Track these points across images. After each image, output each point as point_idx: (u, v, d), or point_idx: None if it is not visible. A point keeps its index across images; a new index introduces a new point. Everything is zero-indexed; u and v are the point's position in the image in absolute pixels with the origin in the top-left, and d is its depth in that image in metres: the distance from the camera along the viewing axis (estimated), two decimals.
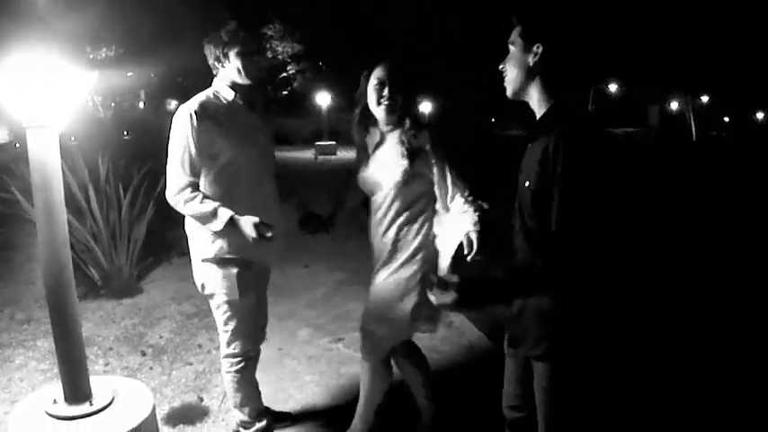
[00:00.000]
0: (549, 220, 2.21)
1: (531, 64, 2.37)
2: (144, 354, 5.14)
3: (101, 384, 2.68)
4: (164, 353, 5.15)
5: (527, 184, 2.33)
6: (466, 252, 2.82)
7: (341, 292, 6.76)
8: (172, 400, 4.32)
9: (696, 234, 10.06)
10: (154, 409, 2.66)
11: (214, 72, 3.34)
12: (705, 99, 51.24)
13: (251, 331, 3.48)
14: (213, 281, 3.34)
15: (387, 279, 3.33)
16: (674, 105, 51.79)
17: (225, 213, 3.05)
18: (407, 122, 3.22)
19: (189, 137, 3.11)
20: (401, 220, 3.26)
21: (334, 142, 30.36)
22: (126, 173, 7.22)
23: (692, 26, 30.53)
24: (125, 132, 22.77)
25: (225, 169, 3.23)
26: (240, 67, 3.21)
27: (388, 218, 3.28)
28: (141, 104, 31.82)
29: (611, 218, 2.25)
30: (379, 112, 3.25)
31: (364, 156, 3.40)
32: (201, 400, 4.32)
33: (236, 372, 3.49)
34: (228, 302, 3.35)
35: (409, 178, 3.18)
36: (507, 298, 2.48)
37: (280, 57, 27.84)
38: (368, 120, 3.36)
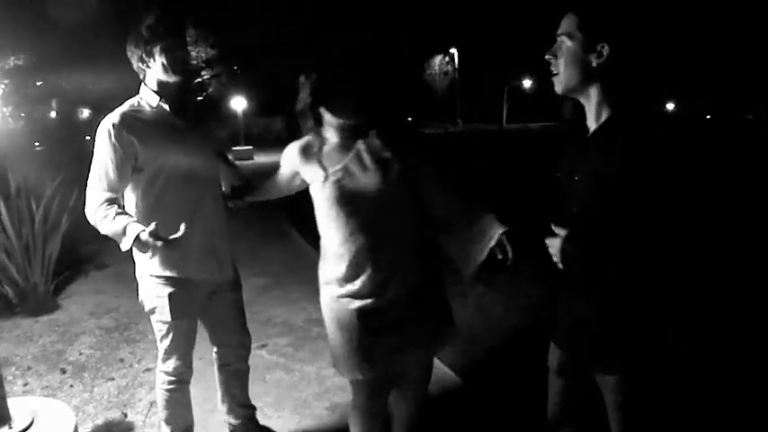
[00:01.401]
0: (638, 217, 2.07)
1: (595, 65, 2.15)
2: (64, 371, 5.03)
3: (20, 406, 2.64)
4: (84, 369, 5.06)
5: (609, 187, 2.12)
6: (501, 257, 2.66)
7: (263, 298, 6.73)
8: (95, 418, 4.25)
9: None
10: (76, 428, 2.64)
11: (141, 75, 3.12)
12: None
13: (184, 353, 3.37)
14: (149, 298, 3.23)
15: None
16: None
17: (133, 230, 2.84)
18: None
19: (108, 151, 2.96)
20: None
21: (250, 147, 30.29)
22: (38, 185, 7.03)
23: None
24: (36, 143, 22.18)
25: (152, 182, 3.06)
26: (165, 62, 2.98)
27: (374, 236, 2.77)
28: (53, 114, 30.97)
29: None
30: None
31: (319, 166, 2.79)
32: (126, 415, 4.26)
33: (166, 390, 3.41)
34: (161, 321, 3.25)
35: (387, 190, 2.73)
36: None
37: (194, 62, 27.49)
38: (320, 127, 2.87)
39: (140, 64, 3.06)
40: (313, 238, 3.17)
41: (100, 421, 4.21)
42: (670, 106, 62.50)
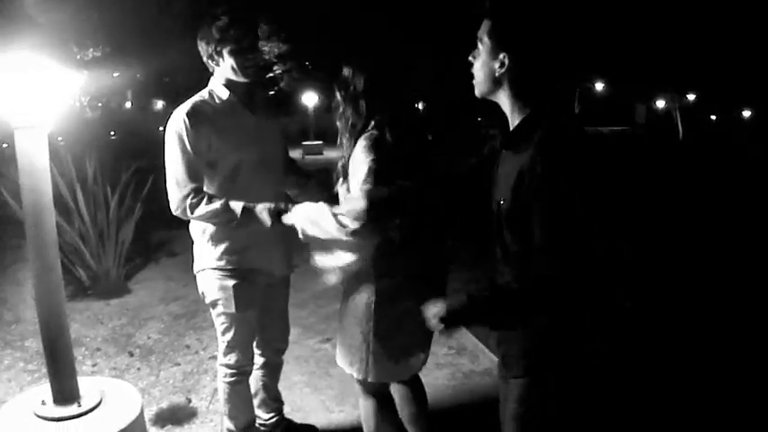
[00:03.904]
0: (526, 237, 1.93)
1: (497, 74, 2.04)
2: (132, 354, 5.14)
3: (89, 385, 2.67)
4: (151, 353, 5.15)
5: (501, 201, 2.04)
6: None
7: (329, 293, 6.65)
8: (160, 401, 4.32)
9: (690, 235, 9.98)
10: (142, 410, 2.66)
11: (210, 70, 3.14)
12: (692, 97, 51.39)
13: (246, 346, 3.36)
14: (211, 291, 3.19)
15: None
16: (661, 104, 51.79)
17: (237, 204, 2.89)
18: None
19: (184, 142, 2.93)
20: None
21: (320, 142, 30.44)
22: (113, 173, 7.20)
23: (678, 24, 30.61)
24: (112, 132, 22.73)
25: (228, 177, 3.05)
26: (234, 65, 2.99)
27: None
28: (128, 104, 31.71)
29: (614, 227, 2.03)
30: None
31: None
32: (190, 401, 4.32)
33: (228, 383, 3.38)
34: (225, 314, 3.20)
35: None
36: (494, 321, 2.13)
37: (266, 57, 27.74)
38: None
39: (210, 61, 3.08)
40: None
41: (164, 405, 4.28)
42: (746, 113, 60.99)
